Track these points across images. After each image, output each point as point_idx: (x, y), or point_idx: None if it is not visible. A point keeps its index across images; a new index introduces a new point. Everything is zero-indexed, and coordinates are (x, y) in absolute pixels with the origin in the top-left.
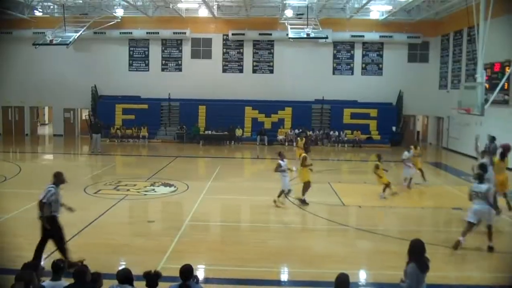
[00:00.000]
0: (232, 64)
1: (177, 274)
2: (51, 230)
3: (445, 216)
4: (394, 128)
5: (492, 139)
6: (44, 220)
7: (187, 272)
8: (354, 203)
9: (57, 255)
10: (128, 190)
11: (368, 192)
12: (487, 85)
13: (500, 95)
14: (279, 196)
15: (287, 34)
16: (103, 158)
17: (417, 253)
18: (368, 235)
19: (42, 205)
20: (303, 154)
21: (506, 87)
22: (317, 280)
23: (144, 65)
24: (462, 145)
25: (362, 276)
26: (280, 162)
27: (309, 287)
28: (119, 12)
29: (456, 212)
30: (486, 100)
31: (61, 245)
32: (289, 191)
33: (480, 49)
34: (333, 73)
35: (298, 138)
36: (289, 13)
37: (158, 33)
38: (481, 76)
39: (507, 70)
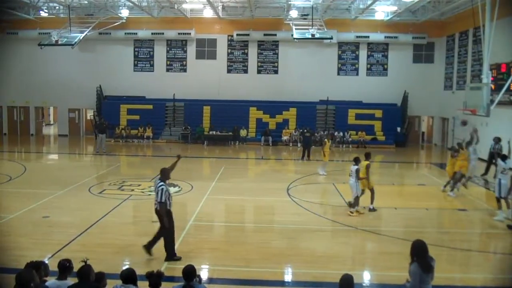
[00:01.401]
0: (236, 64)
1: (180, 274)
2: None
3: (450, 217)
4: (398, 129)
5: (498, 140)
6: (165, 216)
7: (190, 272)
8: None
9: (61, 255)
10: (132, 190)
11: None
12: (492, 86)
13: (506, 96)
14: (352, 204)
15: (292, 35)
16: (108, 158)
17: (418, 253)
18: (372, 236)
19: (162, 205)
20: (366, 162)
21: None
22: (321, 281)
23: (149, 65)
24: None
25: (366, 277)
26: (357, 167)
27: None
28: (124, 13)
29: (461, 213)
30: (492, 101)
31: (169, 239)
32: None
33: (485, 49)
34: (338, 74)
35: (326, 140)
36: (294, 13)
37: (163, 33)
38: (486, 77)
39: None
